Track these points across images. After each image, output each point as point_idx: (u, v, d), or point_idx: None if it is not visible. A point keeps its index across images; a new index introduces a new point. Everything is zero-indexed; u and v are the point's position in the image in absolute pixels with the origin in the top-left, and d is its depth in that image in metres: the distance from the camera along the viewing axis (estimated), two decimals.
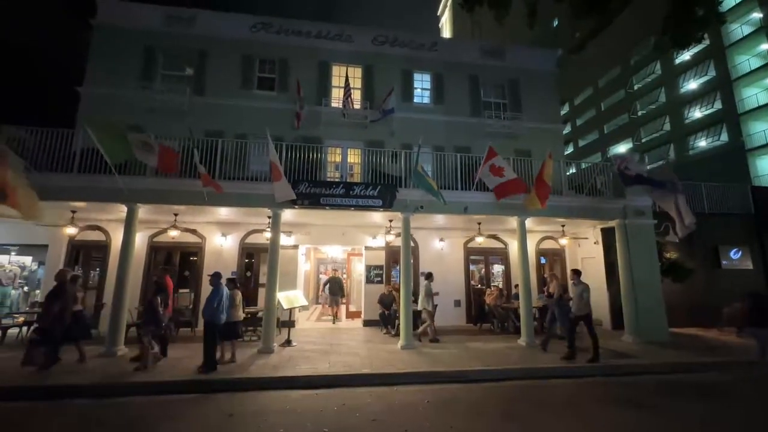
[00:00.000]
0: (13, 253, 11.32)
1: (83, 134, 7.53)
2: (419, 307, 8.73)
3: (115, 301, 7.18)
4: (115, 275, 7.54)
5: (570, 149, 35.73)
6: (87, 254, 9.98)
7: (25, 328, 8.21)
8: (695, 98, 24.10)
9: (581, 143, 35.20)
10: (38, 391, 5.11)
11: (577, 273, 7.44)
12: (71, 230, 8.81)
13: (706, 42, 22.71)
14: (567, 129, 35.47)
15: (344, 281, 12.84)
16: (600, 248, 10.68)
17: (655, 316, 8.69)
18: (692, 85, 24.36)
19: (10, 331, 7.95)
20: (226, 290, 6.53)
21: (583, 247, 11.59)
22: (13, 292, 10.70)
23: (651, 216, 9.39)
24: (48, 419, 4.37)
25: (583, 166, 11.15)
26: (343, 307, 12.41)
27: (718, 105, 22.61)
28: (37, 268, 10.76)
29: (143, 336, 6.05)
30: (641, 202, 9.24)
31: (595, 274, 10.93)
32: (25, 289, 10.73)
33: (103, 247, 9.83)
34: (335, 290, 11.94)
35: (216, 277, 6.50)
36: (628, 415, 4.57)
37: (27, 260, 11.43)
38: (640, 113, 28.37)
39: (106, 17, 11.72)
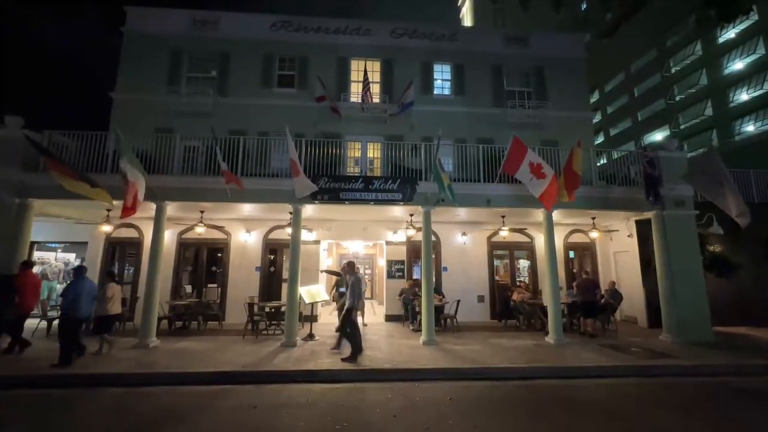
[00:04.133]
0: (59, 251, 12.12)
1: (115, 137, 7.90)
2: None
3: (147, 296, 7.48)
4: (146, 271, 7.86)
5: (600, 138, 34.03)
6: (122, 251, 10.52)
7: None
8: (741, 80, 22.20)
9: (612, 132, 33.41)
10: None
11: (351, 265, 6.93)
12: (107, 228, 9.30)
13: (755, 16, 20.86)
14: (597, 117, 33.75)
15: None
16: (634, 241, 10.08)
17: (697, 314, 8.09)
18: (738, 65, 22.46)
19: (55, 322, 8.48)
20: (89, 284, 6.34)
21: (616, 241, 11.00)
22: (58, 286, 11.46)
23: (692, 206, 8.72)
24: (86, 404, 4.62)
25: (616, 155, 10.53)
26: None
27: None
28: (79, 264, 11.46)
29: None
30: (681, 192, 8.60)
31: (629, 269, 10.37)
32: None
33: (137, 244, 10.32)
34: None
35: (77, 270, 6.32)
36: (668, 419, 4.25)
37: (71, 257, 12.21)
38: (678, 98, 26.52)
39: (135, 24, 12.23)
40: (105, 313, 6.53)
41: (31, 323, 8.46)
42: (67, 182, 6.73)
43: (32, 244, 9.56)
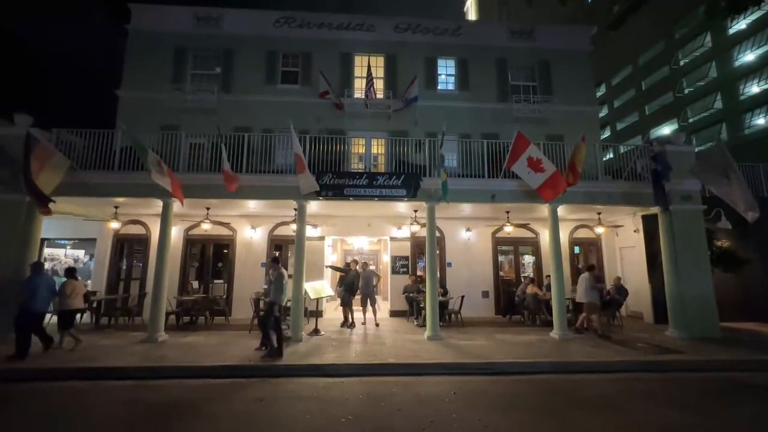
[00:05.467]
0: (68, 247, 12.30)
1: (122, 135, 8.00)
2: (580, 300, 8.29)
3: (155, 291, 7.60)
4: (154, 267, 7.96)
5: (607, 133, 33.64)
6: (130, 247, 10.65)
7: (79, 315, 8.90)
8: (752, 72, 21.77)
9: (619, 126, 32.99)
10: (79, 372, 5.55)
11: (275, 260, 6.82)
12: (115, 224, 9.43)
13: (766, 7, 20.39)
14: (603, 111, 33.33)
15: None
16: (641, 237, 10.01)
17: (703, 309, 8.03)
18: (749, 56, 22.01)
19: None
20: (46, 279, 6.55)
21: (622, 236, 10.93)
22: None
23: (699, 201, 8.64)
24: (95, 397, 4.72)
25: (622, 150, 10.42)
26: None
27: None
28: (88, 261, 11.64)
29: None
30: (688, 186, 8.51)
31: (635, 264, 10.31)
32: (78, 279, 11.64)
33: (144, 240, 10.45)
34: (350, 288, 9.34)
35: (34, 267, 6.58)
36: (672, 414, 4.25)
37: (80, 253, 12.38)
38: (686, 91, 26.09)
39: (140, 22, 12.27)
40: (66, 308, 6.71)
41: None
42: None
43: (42, 240, 9.72)
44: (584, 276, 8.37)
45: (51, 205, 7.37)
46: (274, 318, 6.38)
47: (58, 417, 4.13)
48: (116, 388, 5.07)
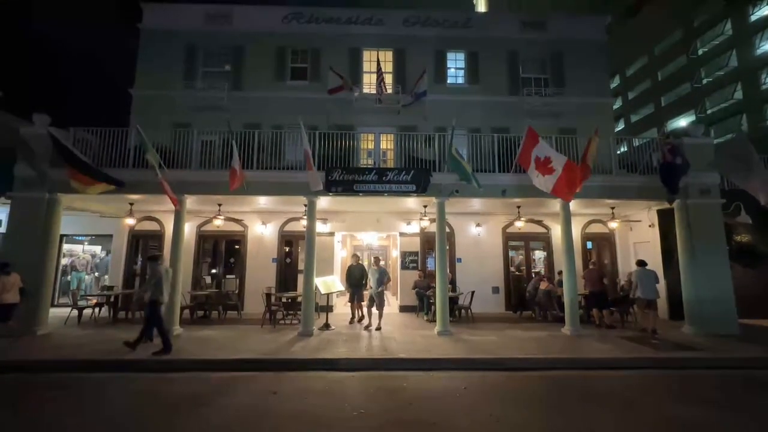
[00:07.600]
0: (86, 243, 12.66)
1: (136, 133, 8.13)
2: (646, 297, 7.84)
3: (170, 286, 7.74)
4: (168, 262, 8.11)
5: (621, 125, 32.84)
6: (145, 243, 10.87)
7: (97, 309, 9.19)
8: None
9: (634, 118, 32.14)
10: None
11: (153, 258, 6.56)
12: (130, 221, 9.64)
13: None
14: (617, 103, 32.54)
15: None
16: (656, 232, 9.79)
17: (721, 305, 7.83)
18: None
19: (85, 311, 8.92)
20: None
21: (636, 231, 10.72)
22: (86, 277, 12.04)
23: (718, 194, 8.39)
24: (118, 388, 4.87)
25: (637, 143, 10.15)
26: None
27: None
28: (105, 256, 11.97)
29: None
30: (706, 179, 8.28)
31: (650, 260, 9.96)
32: (96, 274, 12.00)
33: (159, 236, 10.66)
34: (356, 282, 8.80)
35: None
36: (685, 411, 4.17)
37: (97, 249, 12.74)
38: (705, 81, 25.24)
39: (151, 21, 12.44)
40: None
41: (63, 312, 8.95)
42: (81, 188, 7.24)
43: (61, 236, 10.01)
44: (646, 271, 7.81)
45: (70, 199, 7.52)
46: (156, 316, 6.26)
47: (86, 407, 4.28)
48: (135, 380, 5.22)
